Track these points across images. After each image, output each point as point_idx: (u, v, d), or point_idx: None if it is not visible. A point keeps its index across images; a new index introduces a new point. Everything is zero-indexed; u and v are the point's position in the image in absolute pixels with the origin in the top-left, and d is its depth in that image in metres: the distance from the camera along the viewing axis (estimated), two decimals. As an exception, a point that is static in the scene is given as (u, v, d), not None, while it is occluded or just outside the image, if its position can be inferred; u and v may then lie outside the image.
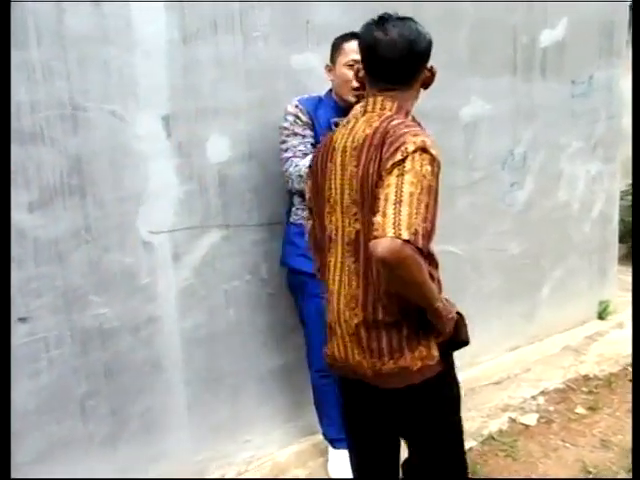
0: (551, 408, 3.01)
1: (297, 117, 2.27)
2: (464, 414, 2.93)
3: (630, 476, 2.47)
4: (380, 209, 1.35)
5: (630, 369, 3.35)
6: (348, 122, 1.59)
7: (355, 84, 2.21)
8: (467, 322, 1.66)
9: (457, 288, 3.24)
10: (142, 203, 2.20)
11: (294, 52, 2.46)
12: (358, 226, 1.50)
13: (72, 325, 2.12)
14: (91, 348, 2.17)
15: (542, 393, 3.13)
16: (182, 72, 2.22)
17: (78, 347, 2.14)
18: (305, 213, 2.24)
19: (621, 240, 5.09)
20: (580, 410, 2.98)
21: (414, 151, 1.38)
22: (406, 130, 1.44)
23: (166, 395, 2.36)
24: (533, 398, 3.08)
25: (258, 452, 2.61)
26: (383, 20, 1.51)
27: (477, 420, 2.90)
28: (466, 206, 3.18)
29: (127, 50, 2.10)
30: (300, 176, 2.21)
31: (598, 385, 3.21)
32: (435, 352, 1.53)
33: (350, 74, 2.23)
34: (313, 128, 2.29)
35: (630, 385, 3.21)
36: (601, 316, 4.04)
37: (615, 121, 3.86)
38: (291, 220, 2.37)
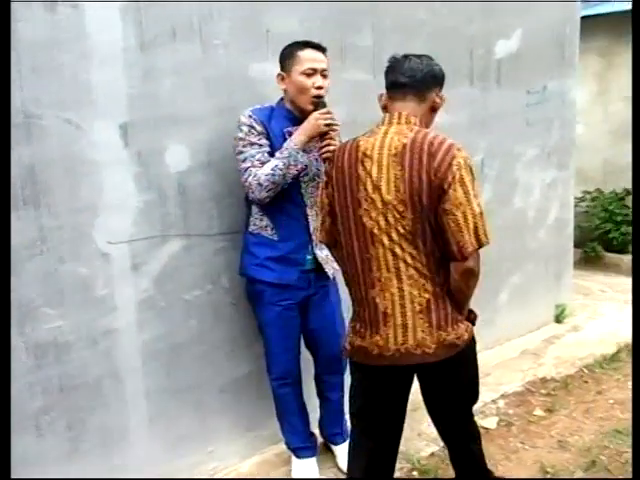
0: (511, 411, 3.06)
1: (251, 127, 2.23)
2: (427, 421, 2.98)
3: (586, 475, 2.53)
4: (462, 227, 1.69)
5: (585, 370, 3.44)
6: (374, 132, 1.81)
7: (315, 92, 2.22)
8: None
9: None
10: (99, 213, 2.16)
11: (254, 61, 2.46)
12: (410, 221, 1.73)
13: (26, 339, 2.06)
14: (46, 362, 2.11)
15: (502, 397, 3.18)
16: (140, 80, 2.19)
17: (32, 361, 2.08)
18: (264, 222, 2.22)
19: (576, 245, 5.24)
20: (538, 412, 3.05)
21: (464, 165, 1.71)
22: (447, 143, 1.73)
23: (126, 408, 2.31)
24: (493, 402, 3.13)
25: (222, 463, 2.58)
26: (405, 55, 1.86)
27: (439, 425, 2.93)
28: (426, 213, 3.23)
29: (82, 57, 2.06)
30: (260, 184, 2.19)
31: (555, 387, 3.28)
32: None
33: (308, 82, 2.21)
34: (268, 137, 2.26)
35: (586, 386, 3.30)
36: (558, 319, 4.14)
37: (568, 129, 3.98)
38: (249, 230, 2.35)
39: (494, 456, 2.69)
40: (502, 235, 3.65)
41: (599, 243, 5.79)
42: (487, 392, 3.21)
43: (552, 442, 2.80)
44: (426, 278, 1.75)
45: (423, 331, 1.75)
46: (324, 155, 2.18)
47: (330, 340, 2.43)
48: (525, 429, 2.91)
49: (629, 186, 5.93)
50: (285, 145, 2.21)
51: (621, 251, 5.87)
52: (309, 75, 2.20)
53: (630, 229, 5.75)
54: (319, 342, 2.47)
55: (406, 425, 2.88)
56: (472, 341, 1.88)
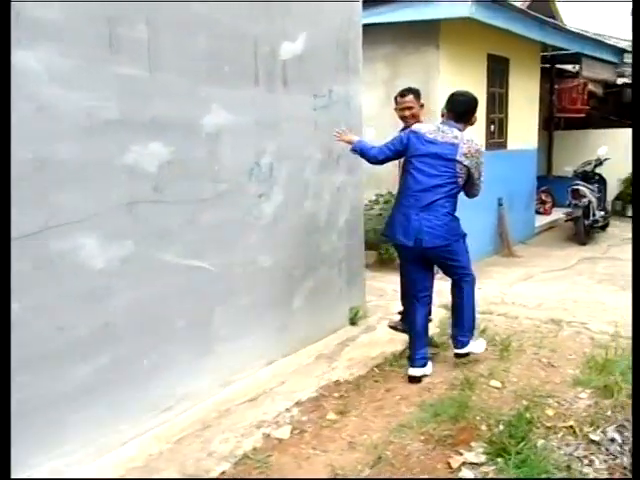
0: (304, 418, 3.01)
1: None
2: (218, 438, 2.78)
3: (373, 474, 2.55)
4: None
5: (376, 370, 3.53)
6: None
7: None
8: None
9: (209, 305, 3.10)
10: None
11: None
12: None
13: None
14: None
15: (296, 404, 3.12)
16: None
17: None
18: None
19: (372, 247, 5.47)
20: (331, 416, 3.03)
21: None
22: None
23: None
24: (287, 410, 3.06)
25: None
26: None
27: (231, 441, 2.78)
28: (213, 220, 3.06)
29: None
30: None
31: (348, 389, 3.31)
32: None
33: None
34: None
35: (376, 385, 3.37)
36: (352, 321, 4.23)
37: (355, 134, 4.08)
38: (455, 214, 3.41)
39: (285, 466, 2.60)
40: (294, 239, 3.63)
41: (392, 245, 6.11)
42: (281, 401, 3.14)
43: (343, 444, 2.79)
44: None
45: None
46: None
47: None
48: (318, 434, 2.87)
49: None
50: None
51: (412, 252, 6.26)
52: None
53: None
54: None
55: (197, 445, 2.71)
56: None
